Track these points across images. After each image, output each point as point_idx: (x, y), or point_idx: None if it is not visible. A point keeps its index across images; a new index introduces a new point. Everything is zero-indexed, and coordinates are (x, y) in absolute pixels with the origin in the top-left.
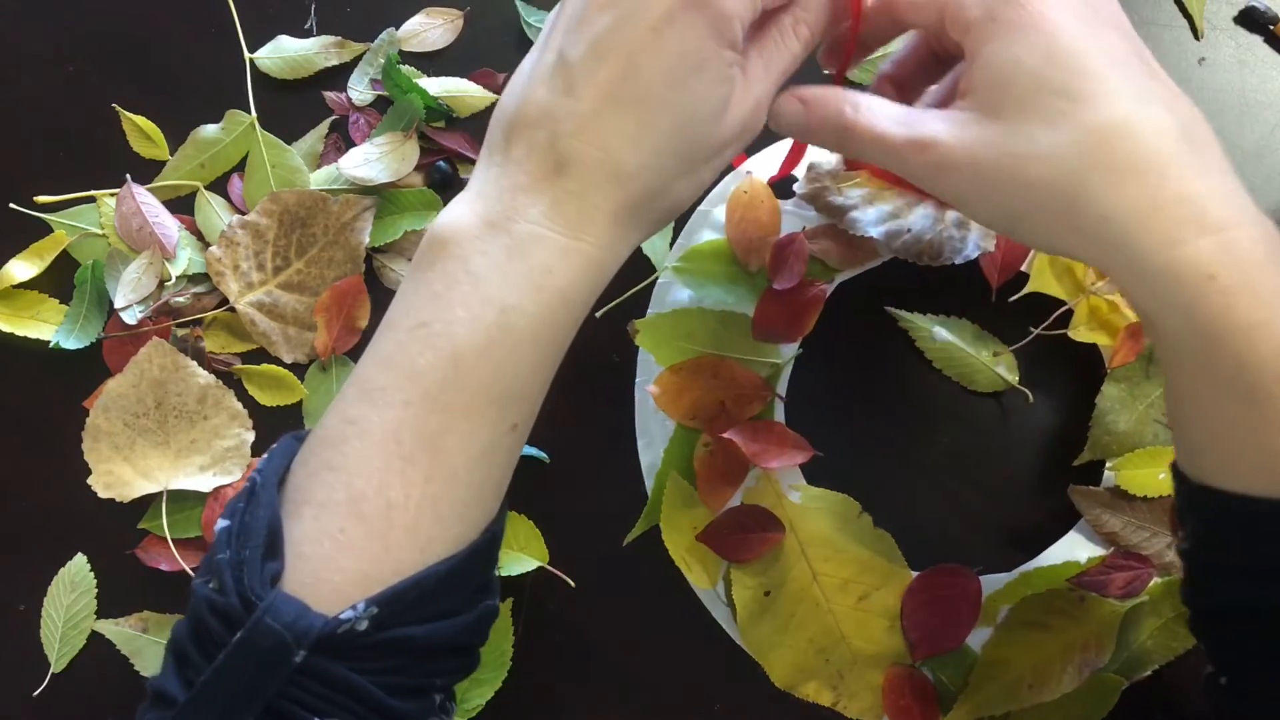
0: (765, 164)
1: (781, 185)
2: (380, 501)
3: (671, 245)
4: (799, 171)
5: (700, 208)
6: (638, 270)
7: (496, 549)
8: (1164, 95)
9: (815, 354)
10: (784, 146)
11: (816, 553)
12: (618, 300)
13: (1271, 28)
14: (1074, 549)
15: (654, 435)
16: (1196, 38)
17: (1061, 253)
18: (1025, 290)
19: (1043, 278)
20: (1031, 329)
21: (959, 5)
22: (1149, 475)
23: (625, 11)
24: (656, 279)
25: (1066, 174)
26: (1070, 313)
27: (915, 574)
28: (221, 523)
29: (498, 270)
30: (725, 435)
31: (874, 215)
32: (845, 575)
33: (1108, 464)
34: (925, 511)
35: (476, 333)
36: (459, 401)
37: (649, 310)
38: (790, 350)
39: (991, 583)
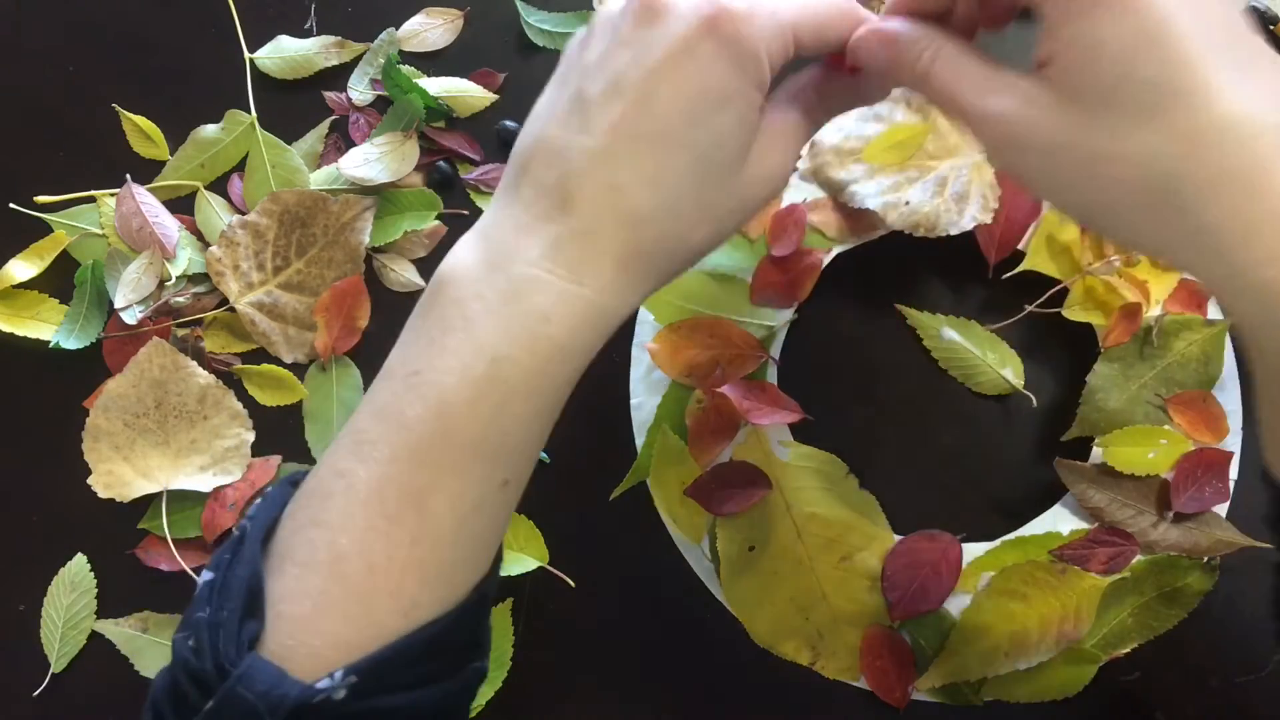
0: None
1: None
2: (362, 563)
3: None
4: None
5: None
6: None
7: (487, 609)
8: (1269, 88)
9: (810, 320)
10: None
11: (801, 511)
12: None
13: (1271, 28)
14: (1058, 522)
15: (647, 396)
16: None
17: (1147, 253)
18: (1020, 268)
19: (1039, 256)
20: (1026, 305)
21: None
22: (1138, 453)
23: (645, 45)
24: None
25: (1157, 177)
26: (1065, 291)
27: (898, 538)
28: (205, 575)
29: (492, 316)
30: (720, 390)
31: (873, 188)
32: (829, 535)
33: (1095, 441)
34: (910, 479)
35: (465, 385)
36: (447, 458)
37: None
38: (785, 315)
39: (974, 551)
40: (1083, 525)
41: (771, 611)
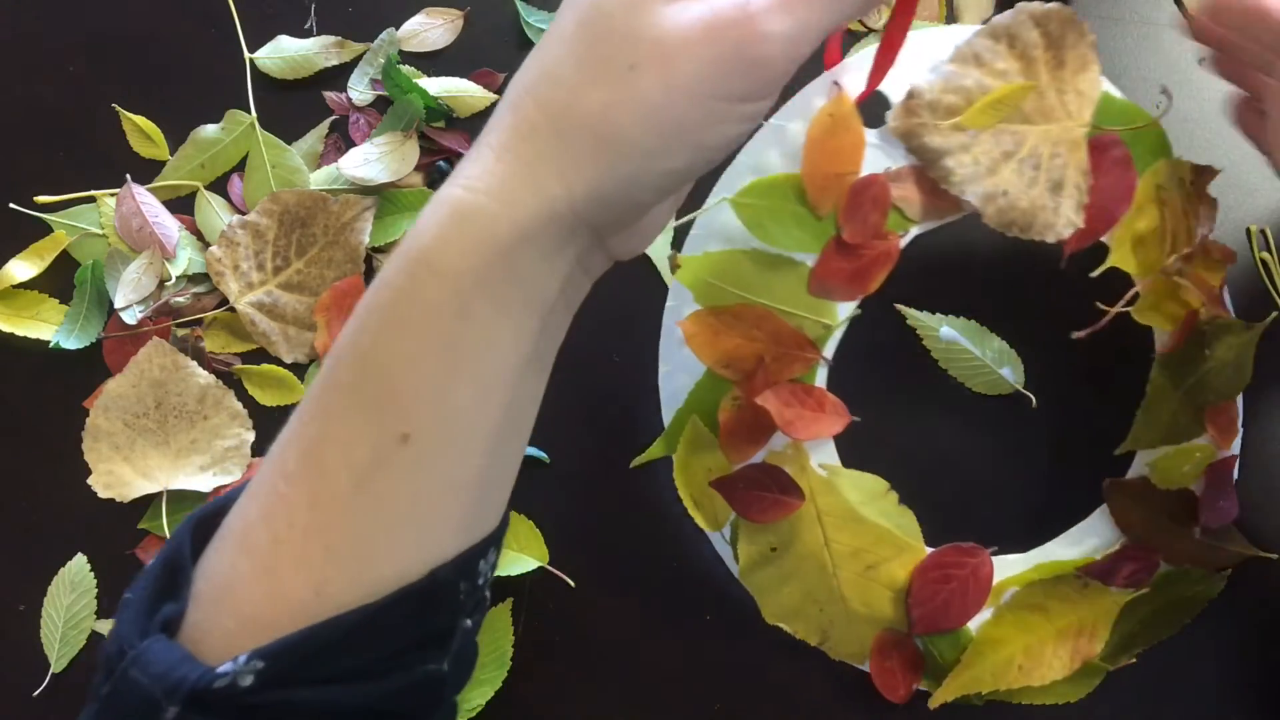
0: (856, 75)
1: (868, 108)
2: (267, 532)
3: (701, 205)
4: (892, 94)
5: (774, 120)
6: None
7: (439, 600)
8: None
9: (873, 316)
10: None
11: (833, 522)
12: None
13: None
14: (1087, 535)
15: (678, 368)
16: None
17: None
18: (1107, 264)
19: (1122, 250)
20: (1100, 305)
21: None
22: (1176, 466)
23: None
24: (699, 212)
25: None
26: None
27: (930, 549)
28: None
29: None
30: (757, 399)
31: (971, 167)
32: (858, 545)
33: (1142, 454)
34: (949, 485)
35: (353, 319)
36: (334, 404)
37: (686, 245)
38: (847, 310)
39: (1003, 565)
40: (1112, 535)
41: (786, 599)
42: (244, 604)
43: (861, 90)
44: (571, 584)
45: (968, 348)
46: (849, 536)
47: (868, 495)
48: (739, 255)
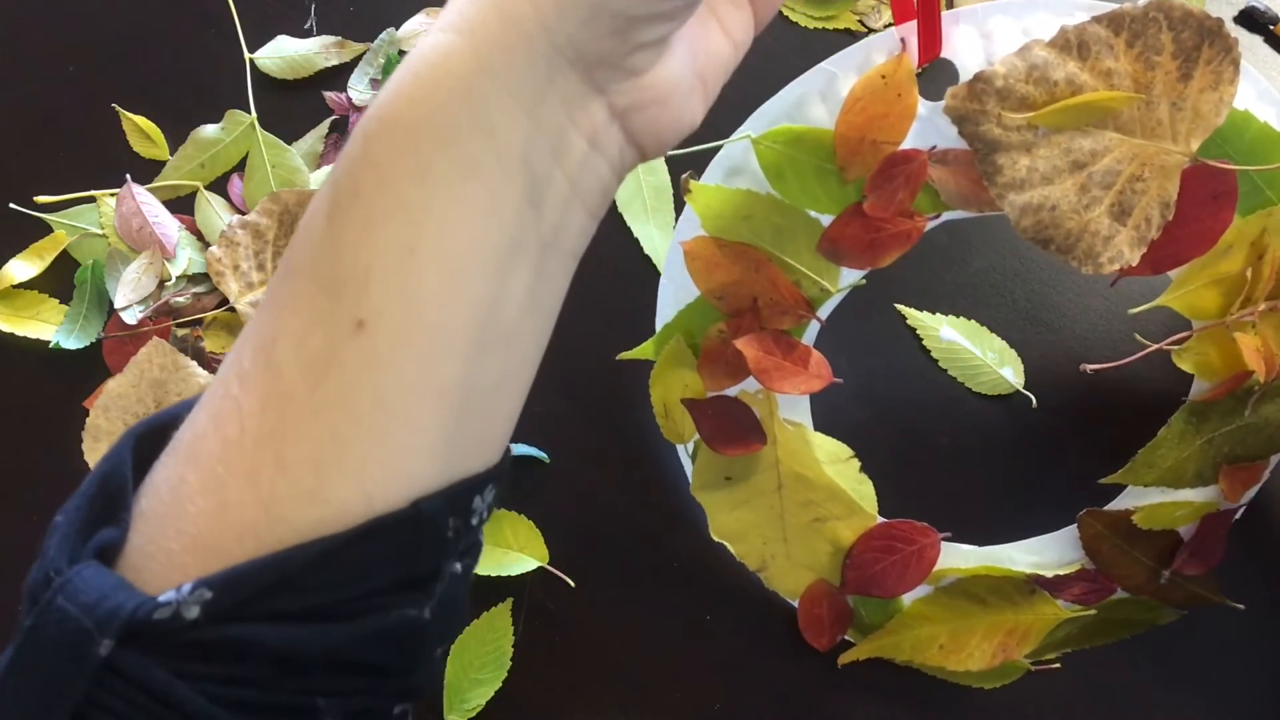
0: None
1: (930, 76)
2: (217, 439)
3: (678, 220)
4: (964, 66)
5: (825, 65)
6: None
7: (421, 537)
8: None
9: (876, 289)
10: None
11: (790, 470)
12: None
13: (1271, 28)
14: (1051, 547)
15: (679, 282)
16: None
17: None
18: (1158, 301)
19: (1181, 291)
20: (1140, 338)
21: None
22: (1167, 512)
23: None
24: (722, 146)
25: None
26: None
27: (881, 519)
28: None
29: None
30: (739, 344)
31: (1023, 172)
32: (811, 497)
33: (1129, 489)
34: (917, 477)
35: (314, 198)
36: (286, 291)
37: (706, 173)
38: (851, 277)
39: (953, 553)
40: (1073, 560)
41: (733, 523)
42: (189, 523)
43: (926, 55)
44: (571, 584)
45: (968, 348)
46: (804, 488)
47: (829, 456)
48: (754, 197)
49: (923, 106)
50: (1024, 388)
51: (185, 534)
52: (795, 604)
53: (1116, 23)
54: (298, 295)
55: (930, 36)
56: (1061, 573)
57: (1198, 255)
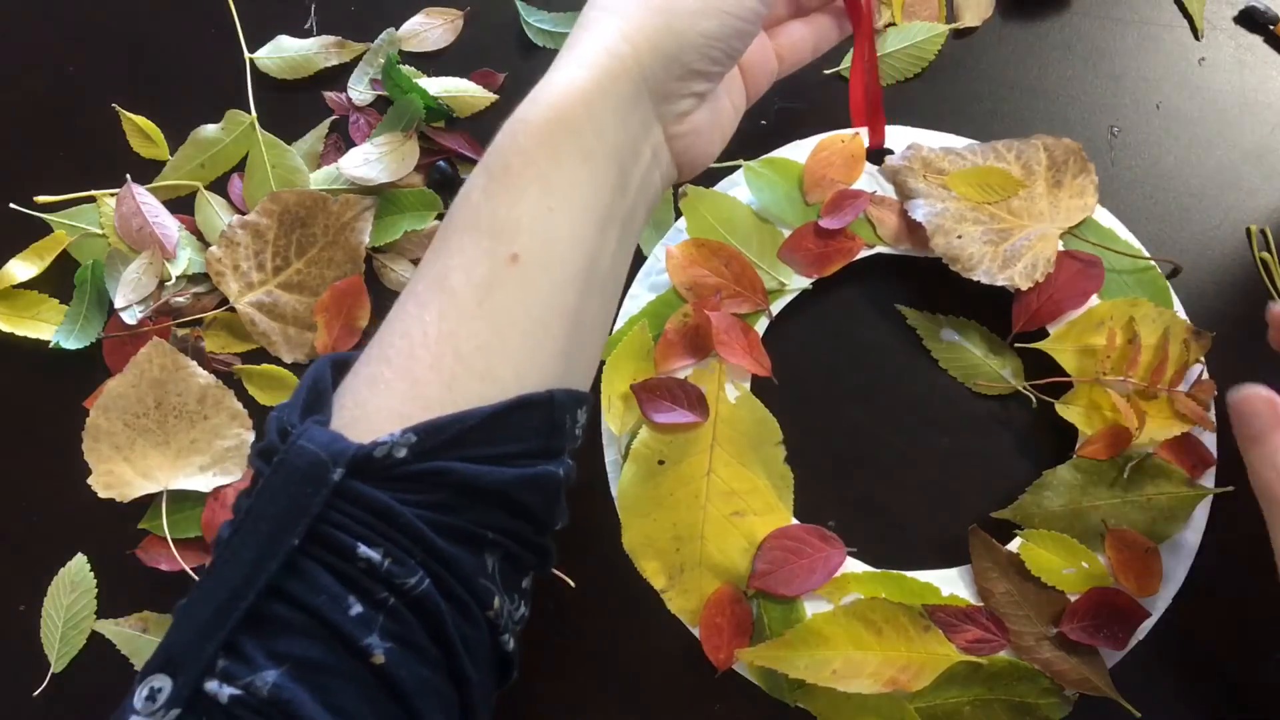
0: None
1: (878, 153)
2: (404, 345)
3: (676, 217)
4: (898, 146)
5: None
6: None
7: (559, 415)
8: None
9: (820, 296)
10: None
11: (723, 455)
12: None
13: (1271, 28)
14: (952, 582)
15: (645, 293)
16: (1196, 38)
17: None
18: (1038, 344)
19: (1061, 345)
20: (1024, 384)
21: None
22: (1055, 564)
23: None
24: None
25: None
26: (1069, 386)
27: (795, 522)
28: None
29: None
30: (708, 311)
31: (936, 208)
32: (735, 487)
33: (1019, 531)
34: (908, 478)
35: (459, 194)
36: (454, 239)
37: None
38: (802, 282)
39: (856, 570)
40: (969, 598)
41: (650, 527)
42: (387, 401)
43: (870, 141)
44: (571, 584)
45: (968, 348)
46: (731, 476)
47: (758, 439)
48: (736, 205)
49: (869, 170)
50: (1024, 388)
51: (382, 408)
52: (695, 630)
53: (1009, 146)
54: (462, 241)
55: (877, 135)
56: (956, 605)
57: (1070, 312)
